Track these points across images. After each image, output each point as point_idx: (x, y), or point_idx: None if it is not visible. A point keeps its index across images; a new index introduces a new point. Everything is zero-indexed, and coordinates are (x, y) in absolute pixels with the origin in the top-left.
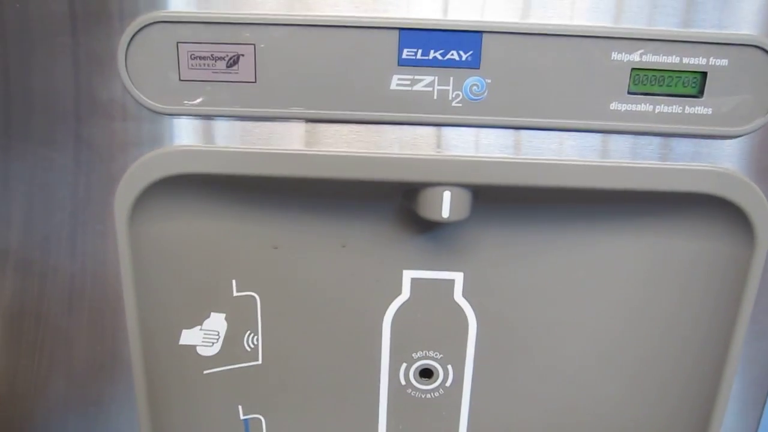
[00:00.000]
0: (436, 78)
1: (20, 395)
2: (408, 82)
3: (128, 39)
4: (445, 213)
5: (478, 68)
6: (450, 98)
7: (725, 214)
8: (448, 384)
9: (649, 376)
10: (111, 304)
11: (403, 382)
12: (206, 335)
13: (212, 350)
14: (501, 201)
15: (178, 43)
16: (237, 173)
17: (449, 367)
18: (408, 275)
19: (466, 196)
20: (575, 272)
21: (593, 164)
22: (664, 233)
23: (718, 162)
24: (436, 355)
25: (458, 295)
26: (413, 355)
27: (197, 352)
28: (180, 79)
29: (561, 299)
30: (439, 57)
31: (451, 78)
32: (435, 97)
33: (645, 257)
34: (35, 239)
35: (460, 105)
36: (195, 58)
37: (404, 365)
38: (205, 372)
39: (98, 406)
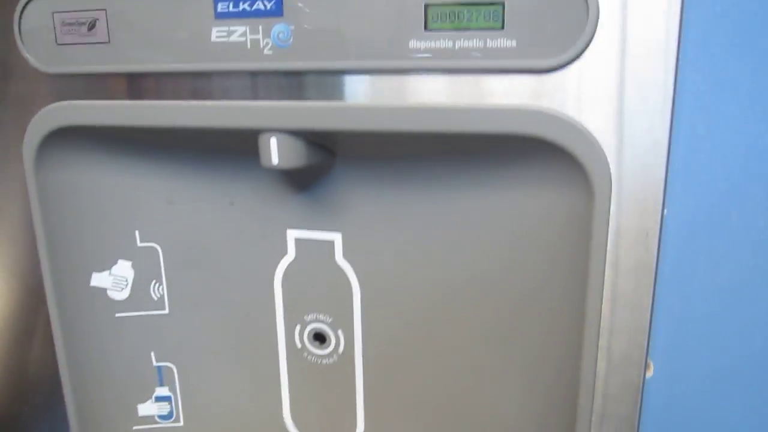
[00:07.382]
0: (248, 28)
1: None
2: (225, 34)
3: (20, 11)
4: (275, 159)
5: (282, 15)
6: (261, 46)
7: (559, 161)
8: (340, 350)
9: (509, 338)
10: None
11: (299, 345)
12: (115, 280)
13: (122, 295)
14: (362, 154)
15: (53, 12)
16: (105, 124)
17: (340, 332)
18: (292, 234)
19: (291, 141)
20: (441, 228)
21: (390, 107)
22: (506, 185)
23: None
24: (327, 319)
25: (339, 257)
26: (305, 317)
27: (108, 296)
28: (57, 43)
29: (435, 258)
30: (248, 8)
31: (260, 27)
32: (249, 47)
33: (497, 212)
34: None
35: (271, 52)
36: (66, 24)
37: (298, 326)
38: (117, 315)
39: (21, 339)
